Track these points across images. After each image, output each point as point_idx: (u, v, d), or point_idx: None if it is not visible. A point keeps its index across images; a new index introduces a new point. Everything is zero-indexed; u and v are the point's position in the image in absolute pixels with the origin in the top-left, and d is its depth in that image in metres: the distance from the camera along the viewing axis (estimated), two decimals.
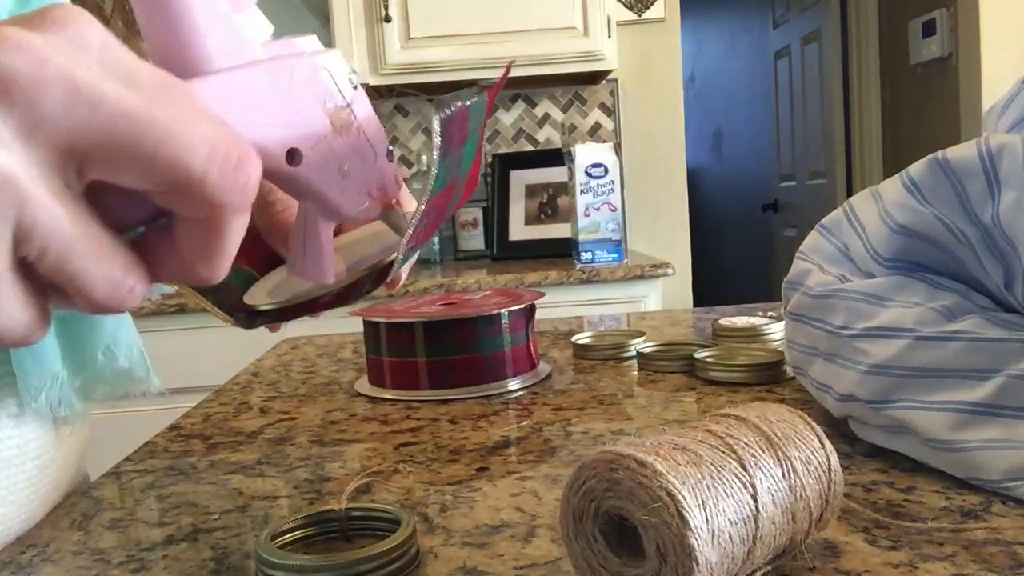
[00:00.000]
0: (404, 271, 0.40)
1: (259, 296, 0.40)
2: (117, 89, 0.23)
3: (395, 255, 0.36)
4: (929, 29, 2.92)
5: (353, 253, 0.39)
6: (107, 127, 0.22)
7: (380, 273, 0.38)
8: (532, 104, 2.53)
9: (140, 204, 0.25)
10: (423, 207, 0.33)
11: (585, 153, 2.00)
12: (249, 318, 0.39)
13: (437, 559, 0.39)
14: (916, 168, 0.47)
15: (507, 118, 2.53)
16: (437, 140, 0.31)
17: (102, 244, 0.24)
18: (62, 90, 0.22)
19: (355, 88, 0.33)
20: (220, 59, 0.28)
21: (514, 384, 0.72)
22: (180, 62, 0.27)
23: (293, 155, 0.30)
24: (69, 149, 0.22)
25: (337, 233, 0.40)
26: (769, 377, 0.67)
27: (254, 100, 0.28)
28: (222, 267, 0.26)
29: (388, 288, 0.40)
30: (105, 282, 0.24)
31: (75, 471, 0.57)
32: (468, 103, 0.33)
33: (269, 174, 0.29)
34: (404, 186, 0.37)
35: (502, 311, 0.71)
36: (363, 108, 0.33)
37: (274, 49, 0.30)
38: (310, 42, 0.32)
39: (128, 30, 0.52)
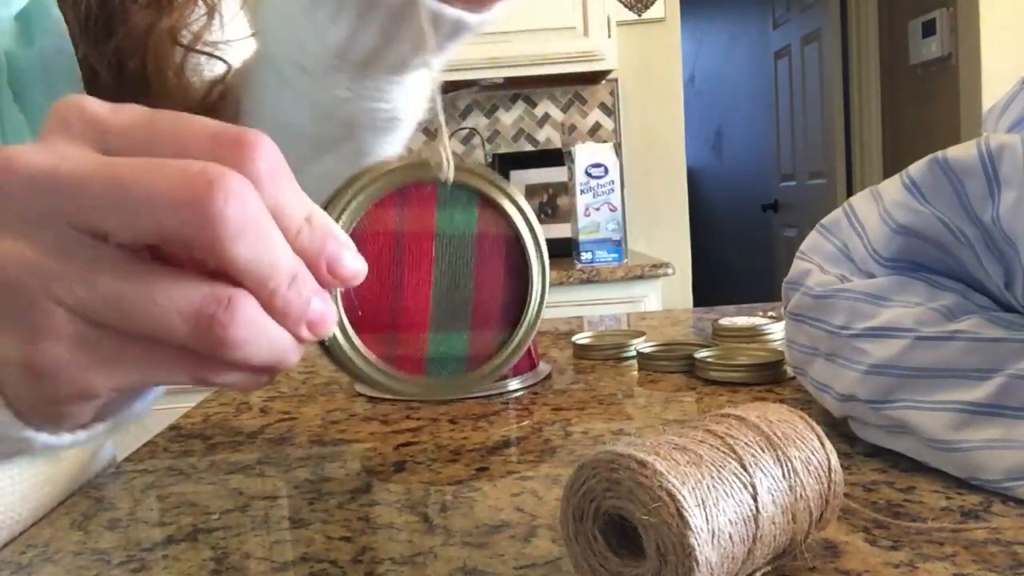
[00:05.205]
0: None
1: None
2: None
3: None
4: (929, 29, 2.92)
5: None
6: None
7: None
8: (532, 104, 2.53)
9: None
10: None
11: (585, 153, 2.00)
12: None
13: (437, 559, 0.39)
14: (916, 168, 0.47)
15: (507, 118, 2.53)
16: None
17: (162, 284, 0.23)
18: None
19: None
20: None
21: (514, 384, 0.71)
22: None
23: None
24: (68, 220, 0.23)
25: None
26: (769, 377, 0.67)
27: None
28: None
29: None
30: (174, 316, 0.23)
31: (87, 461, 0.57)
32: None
33: None
34: None
35: None
36: None
37: None
38: None
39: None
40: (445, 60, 0.42)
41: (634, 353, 0.79)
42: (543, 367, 0.77)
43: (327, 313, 0.26)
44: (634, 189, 2.57)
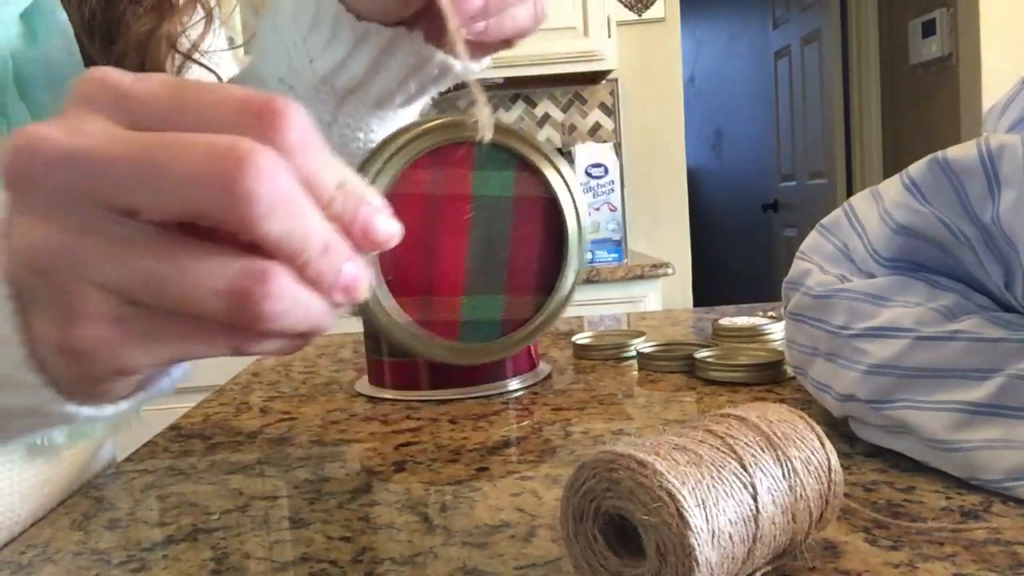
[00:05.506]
0: None
1: None
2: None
3: None
4: (929, 29, 2.92)
5: None
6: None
7: None
8: (532, 104, 2.53)
9: None
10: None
11: (585, 153, 2.00)
12: None
13: (437, 559, 0.39)
14: (916, 168, 0.47)
15: (507, 118, 2.53)
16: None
17: (195, 261, 0.23)
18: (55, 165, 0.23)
19: None
20: None
21: (514, 384, 0.71)
22: None
23: None
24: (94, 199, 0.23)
25: None
26: (769, 377, 0.67)
27: None
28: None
29: None
30: (208, 292, 0.23)
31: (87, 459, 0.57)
32: None
33: None
34: None
35: None
36: None
37: None
38: None
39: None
40: (426, 99, 0.43)
41: (634, 353, 0.79)
42: (543, 367, 0.77)
43: (360, 277, 0.26)
44: (634, 189, 2.57)
